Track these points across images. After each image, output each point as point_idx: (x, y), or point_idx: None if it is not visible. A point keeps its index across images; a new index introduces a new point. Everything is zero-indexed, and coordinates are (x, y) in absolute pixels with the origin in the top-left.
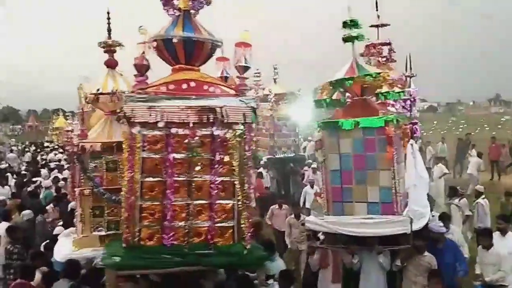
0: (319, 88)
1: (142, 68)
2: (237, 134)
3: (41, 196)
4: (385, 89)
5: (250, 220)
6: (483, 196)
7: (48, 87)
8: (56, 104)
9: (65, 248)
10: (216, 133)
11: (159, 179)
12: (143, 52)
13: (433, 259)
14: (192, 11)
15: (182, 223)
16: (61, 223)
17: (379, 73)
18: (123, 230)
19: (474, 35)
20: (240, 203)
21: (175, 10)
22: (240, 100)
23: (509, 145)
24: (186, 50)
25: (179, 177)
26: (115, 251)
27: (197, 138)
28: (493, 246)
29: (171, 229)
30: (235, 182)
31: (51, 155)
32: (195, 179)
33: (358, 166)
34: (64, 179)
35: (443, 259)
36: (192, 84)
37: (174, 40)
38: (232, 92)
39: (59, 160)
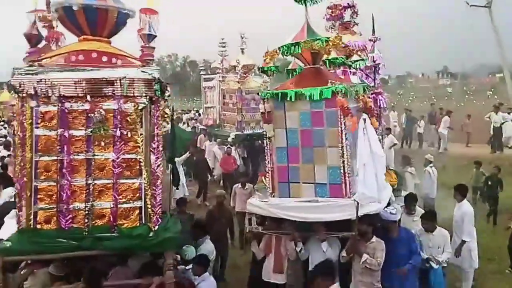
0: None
1: (32, 39)
2: (139, 108)
3: None
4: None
5: (158, 200)
6: (431, 164)
7: None
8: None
9: (12, 230)
10: (115, 107)
11: (55, 158)
12: (34, 22)
13: (380, 244)
14: None
15: (82, 205)
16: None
17: (329, 38)
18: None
19: (423, 13)
20: (146, 182)
21: None
22: (142, 71)
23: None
24: (88, 18)
25: (78, 155)
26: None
27: (98, 112)
28: (437, 228)
29: (69, 211)
30: (141, 160)
31: None
32: (96, 157)
33: (305, 143)
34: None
35: (396, 250)
36: (94, 55)
37: (74, 8)
38: (138, 63)
39: (5, 136)
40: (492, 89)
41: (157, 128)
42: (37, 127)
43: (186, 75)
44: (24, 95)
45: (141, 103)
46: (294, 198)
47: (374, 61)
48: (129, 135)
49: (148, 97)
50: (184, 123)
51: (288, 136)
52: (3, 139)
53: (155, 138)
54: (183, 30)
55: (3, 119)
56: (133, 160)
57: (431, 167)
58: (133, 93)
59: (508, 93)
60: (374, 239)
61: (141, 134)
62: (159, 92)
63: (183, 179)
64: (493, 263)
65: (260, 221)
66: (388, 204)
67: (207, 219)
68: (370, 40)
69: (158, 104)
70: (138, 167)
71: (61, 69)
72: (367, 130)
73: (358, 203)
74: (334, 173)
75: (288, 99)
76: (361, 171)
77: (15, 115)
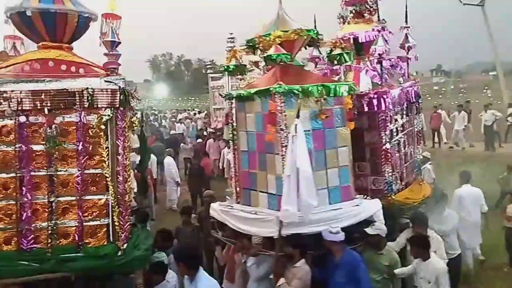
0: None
1: None
2: (103, 120)
3: None
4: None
5: (126, 217)
6: (430, 162)
7: None
8: None
9: None
10: (76, 120)
11: (13, 174)
12: None
13: (300, 271)
14: None
15: (44, 224)
16: None
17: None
18: None
19: (418, 12)
20: (113, 198)
21: None
22: (106, 81)
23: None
24: (45, 24)
25: (39, 171)
26: None
27: (54, 126)
28: (430, 258)
29: (31, 231)
30: (107, 175)
31: None
32: (58, 173)
33: (260, 148)
34: None
35: (334, 277)
36: (51, 63)
37: (28, 13)
38: (102, 72)
39: None
40: (486, 87)
41: (123, 140)
42: None
43: (181, 74)
44: None
45: (105, 115)
46: (240, 207)
47: (408, 50)
48: (93, 149)
49: (112, 108)
50: (178, 121)
51: (248, 140)
52: None
53: (122, 151)
54: (177, 30)
55: None
56: (98, 175)
57: (430, 164)
58: (96, 104)
59: (501, 91)
60: (300, 263)
61: (106, 148)
62: (125, 103)
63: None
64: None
65: (213, 226)
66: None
67: (198, 220)
68: (402, 28)
69: (125, 115)
70: (104, 182)
71: (17, 80)
72: (296, 138)
73: (281, 221)
74: (280, 183)
75: (242, 100)
76: (285, 185)
77: None
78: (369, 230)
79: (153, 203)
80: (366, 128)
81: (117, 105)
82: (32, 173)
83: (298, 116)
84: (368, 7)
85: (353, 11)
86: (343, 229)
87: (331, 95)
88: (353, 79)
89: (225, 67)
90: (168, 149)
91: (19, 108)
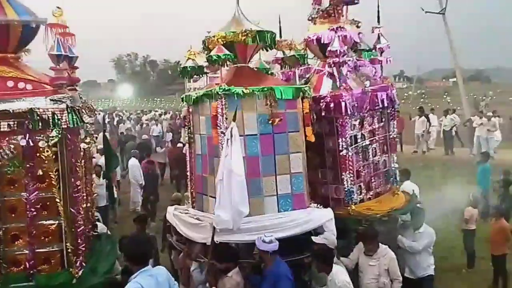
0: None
1: None
2: (51, 142)
3: None
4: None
5: (81, 240)
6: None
7: None
8: None
9: None
10: (22, 143)
11: None
12: None
13: (230, 281)
14: None
15: None
16: None
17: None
18: None
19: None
20: (66, 222)
21: None
22: (52, 100)
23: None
24: None
25: None
26: None
27: (7, 148)
28: (377, 252)
29: None
30: (57, 199)
31: None
32: (6, 198)
33: (210, 151)
34: None
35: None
36: None
37: None
38: (49, 88)
39: None
40: (446, 93)
41: (75, 161)
42: None
43: (146, 75)
44: None
45: (52, 136)
46: (202, 212)
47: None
48: (43, 172)
49: (60, 129)
50: (143, 124)
51: (201, 143)
52: None
53: (73, 173)
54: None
55: None
56: (49, 199)
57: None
58: (43, 125)
59: (461, 97)
60: (231, 273)
61: (56, 170)
62: (75, 122)
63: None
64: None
65: (168, 230)
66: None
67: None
68: (374, 28)
69: (76, 133)
70: (55, 206)
71: None
72: (232, 142)
73: (214, 227)
74: None
75: (197, 102)
76: (217, 189)
77: None
78: (315, 239)
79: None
80: (326, 133)
81: (65, 125)
82: None
83: (234, 119)
84: (335, 6)
85: (320, 11)
86: (290, 238)
87: (278, 98)
88: (316, 83)
89: (181, 68)
90: (133, 151)
91: None
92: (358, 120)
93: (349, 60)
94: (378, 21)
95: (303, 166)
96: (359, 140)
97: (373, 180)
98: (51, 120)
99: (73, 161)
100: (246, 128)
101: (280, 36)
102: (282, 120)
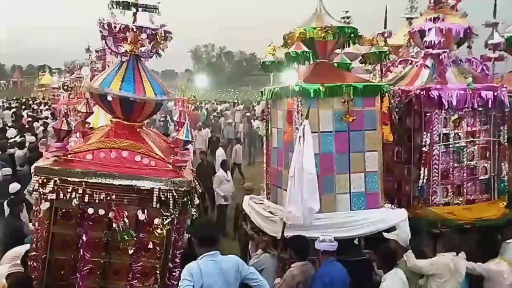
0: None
1: (60, 133)
2: (165, 222)
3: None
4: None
5: None
6: None
7: (31, 43)
8: (40, 60)
9: None
10: (141, 217)
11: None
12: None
13: (287, 274)
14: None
15: None
16: None
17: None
18: None
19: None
20: None
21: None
22: (173, 183)
23: None
24: (123, 107)
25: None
26: None
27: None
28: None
29: None
30: (158, 270)
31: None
32: (112, 260)
33: (286, 146)
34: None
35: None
36: (125, 154)
37: (109, 98)
38: (170, 168)
39: (46, 118)
40: None
41: (180, 237)
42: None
43: (221, 66)
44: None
45: (166, 216)
46: (275, 205)
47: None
48: (153, 245)
49: (177, 211)
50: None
51: (278, 137)
52: (45, 120)
53: (177, 248)
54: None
55: (45, 101)
56: (149, 268)
57: None
58: (161, 205)
59: None
60: (294, 265)
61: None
62: (187, 205)
63: None
64: None
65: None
66: None
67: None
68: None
69: (185, 213)
70: (153, 274)
71: (86, 171)
72: (304, 140)
73: (284, 222)
74: None
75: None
76: (289, 186)
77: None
78: (387, 235)
79: None
80: (415, 129)
81: (180, 207)
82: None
83: (307, 117)
84: None
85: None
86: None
87: (358, 95)
88: (413, 75)
89: (261, 63)
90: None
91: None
92: (454, 118)
93: (447, 53)
94: (494, 16)
95: (379, 165)
96: (451, 139)
97: (466, 185)
98: (170, 202)
99: (178, 237)
100: (321, 125)
101: (385, 27)
102: (355, 118)
